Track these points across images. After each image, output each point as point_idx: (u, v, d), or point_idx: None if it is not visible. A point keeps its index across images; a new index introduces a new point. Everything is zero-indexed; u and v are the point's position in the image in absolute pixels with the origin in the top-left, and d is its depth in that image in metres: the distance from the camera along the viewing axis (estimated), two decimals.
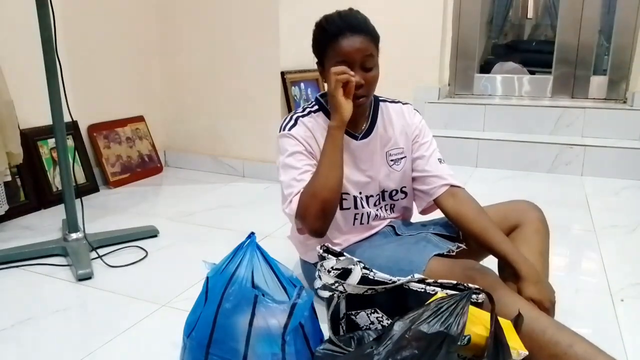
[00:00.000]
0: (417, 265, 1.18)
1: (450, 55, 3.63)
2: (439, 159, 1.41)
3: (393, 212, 1.45)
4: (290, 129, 1.32)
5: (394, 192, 1.42)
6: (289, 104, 2.68)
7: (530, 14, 4.52)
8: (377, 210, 1.41)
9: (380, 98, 1.42)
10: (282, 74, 2.65)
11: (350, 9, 1.29)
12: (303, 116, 1.35)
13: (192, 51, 2.87)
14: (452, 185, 1.36)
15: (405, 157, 1.41)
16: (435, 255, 1.21)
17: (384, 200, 1.42)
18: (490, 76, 3.78)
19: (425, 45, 3.50)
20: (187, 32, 2.86)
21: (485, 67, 3.99)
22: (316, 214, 1.21)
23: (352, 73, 1.20)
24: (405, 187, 1.43)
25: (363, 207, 1.37)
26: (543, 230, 1.33)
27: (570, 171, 2.91)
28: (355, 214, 1.37)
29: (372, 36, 1.25)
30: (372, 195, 1.39)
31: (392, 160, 1.40)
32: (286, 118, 1.36)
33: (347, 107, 1.22)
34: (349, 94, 1.23)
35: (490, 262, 1.28)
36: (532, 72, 3.86)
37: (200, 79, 2.88)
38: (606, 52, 3.53)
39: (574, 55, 3.43)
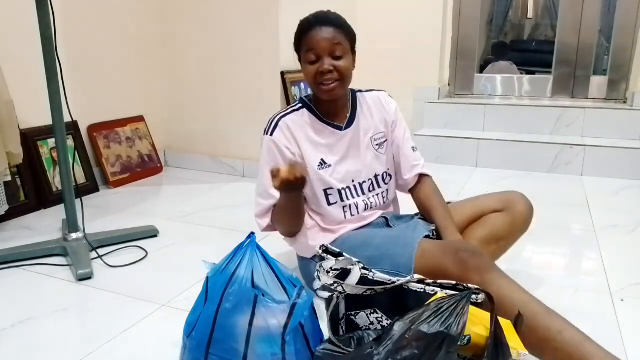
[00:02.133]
0: (411, 240, 1.25)
1: (450, 55, 3.63)
2: (412, 147, 1.51)
3: (387, 199, 1.50)
4: (272, 133, 1.39)
5: (384, 175, 1.48)
6: (289, 104, 2.67)
7: (530, 14, 4.52)
8: (367, 198, 1.45)
9: (356, 90, 1.50)
10: (282, 74, 2.65)
11: (328, 10, 1.37)
12: (285, 115, 1.41)
13: (192, 51, 2.87)
14: (422, 174, 1.49)
15: (387, 140, 1.49)
16: (425, 237, 1.30)
17: (378, 187, 1.47)
18: (490, 76, 3.78)
19: (425, 45, 3.50)
20: (187, 32, 2.86)
21: (485, 67, 4.00)
22: (282, 233, 1.45)
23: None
24: (389, 169, 1.51)
25: (349, 199, 1.42)
26: (520, 224, 1.42)
27: (570, 171, 2.91)
28: (344, 207, 1.42)
29: (344, 30, 1.33)
30: (364, 182, 1.45)
31: (377, 145, 1.47)
32: (270, 119, 1.42)
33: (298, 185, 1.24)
34: None
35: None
36: (532, 72, 3.86)
37: (200, 79, 2.88)
38: (606, 52, 3.53)
39: (574, 55, 3.43)
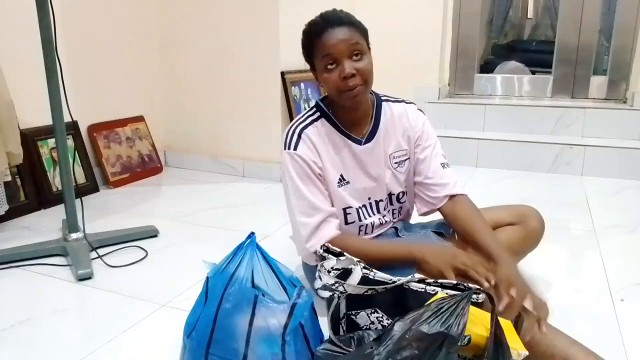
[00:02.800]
0: None
1: (450, 55, 3.63)
2: (442, 163, 1.38)
3: (400, 215, 1.45)
4: (295, 147, 1.27)
5: (400, 195, 1.41)
6: (289, 104, 2.68)
7: (530, 14, 4.52)
8: (382, 216, 1.39)
9: (382, 97, 1.39)
10: (282, 74, 2.65)
11: (333, 9, 1.27)
12: (306, 127, 1.31)
13: (192, 51, 2.87)
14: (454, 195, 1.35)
15: (408, 158, 1.39)
16: None
17: (391, 204, 1.41)
18: (490, 76, 3.78)
19: (425, 45, 3.50)
20: (187, 32, 2.86)
21: (485, 67, 3.99)
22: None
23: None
24: (407, 187, 1.42)
25: (366, 218, 1.36)
26: (532, 239, 1.39)
27: (570, 171, 2.91)
28: (360, 226, 1.37)
29: (356, 27, 1.23)
30: (381, 200, 1.38)
31: (396, 163, 1.38)
32: (289, 131, 1.31)
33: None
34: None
35: None
36: (532, 72, 3.86)
37: (200, 79, 2.88)
38: (606, 52, 3.53)
39: (574, 55, 3.43)
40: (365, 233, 1.38)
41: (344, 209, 1.33)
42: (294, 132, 1.30)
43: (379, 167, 1.35)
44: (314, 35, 1.22)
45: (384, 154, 1.36)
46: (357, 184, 1.33)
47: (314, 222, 1.25)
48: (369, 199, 1.36)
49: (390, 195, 1.39)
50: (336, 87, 1.22)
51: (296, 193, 1.27)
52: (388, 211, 1.41)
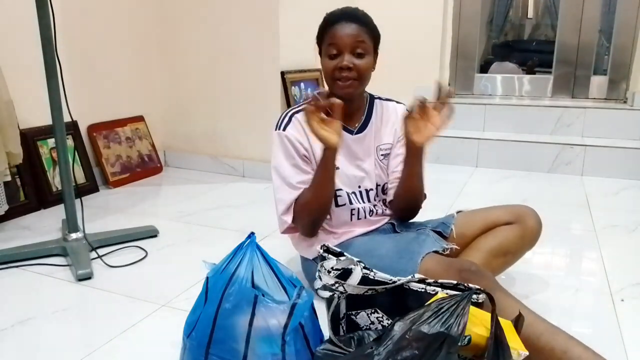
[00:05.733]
0: (415, 254, 1.22)
1: (450, 55, 3.63)
2: None
3: (387, 207, 1.48)
4: (284, 128, 1.37)
5: (385, 186, 1.46)
6: (289, 104, 2.67)
7: (530, 14, 4.52)
8: (373, 205, 1.44)
9: (375, 96, 1.49)
10: (282, 74, 2.65)
11: (356, 8, 1.36)
12: (298, 112, 1.39)
13: (192, 51, 2.87)
14: None
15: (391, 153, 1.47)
16: (433, 252, 1.25)
17: (377, 195, 1.46)
18: (490, 76, 3.78)
19: (425, 45, 3.50)
20: (187, 32, 2.86)
21: (486, 67, 4.00)
22: (307, 224, 1.36)
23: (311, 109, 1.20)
24: None
25: (358, 202, 1.41)
26: (529, 239, 1.40)
27: (570, 171, 2.91)
28: (352, 210, 1.41)
29: (369, 28, 1.32)
30: (372, 189, 1.44)
31: (382, 155, 1.45)
32: (282, 114, 1.41)
33: (331, 137, 1.23)
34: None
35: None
36: (532, 72, 3.86)
37: (200, 79, 2.88)
38: (606, 52, 3.53)
39: (574, 55, 3.43)
40: (358, 218, 1.42)
41: (335, 191, 1.38)
42: (286, 115, 1.40)
43: (368, 157, 1.43)
44: (329, 24, 1.33)
45: (373, 145, 1.44)
46: (347, 171, 1.40)
47: (291, 198, 1.34)
48: (359, 187, 1.42)
49: (377, 186, 1.45)
50: (331, 75, 1.32)
51: (278, 171, 1.37)
52: (378, 201, 1.46)
